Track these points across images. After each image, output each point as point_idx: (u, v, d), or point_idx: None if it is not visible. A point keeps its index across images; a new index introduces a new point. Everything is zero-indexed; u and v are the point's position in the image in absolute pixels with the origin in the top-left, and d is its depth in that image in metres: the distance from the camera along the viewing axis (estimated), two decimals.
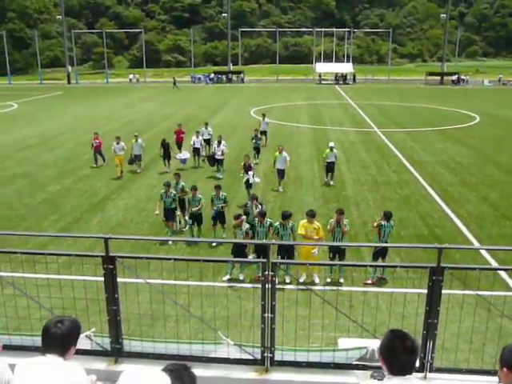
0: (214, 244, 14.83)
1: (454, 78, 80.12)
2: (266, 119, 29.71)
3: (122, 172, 22.95)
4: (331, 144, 21.87)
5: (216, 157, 22.89)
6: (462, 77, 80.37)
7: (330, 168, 21.31)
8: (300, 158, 26.28)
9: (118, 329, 5.47)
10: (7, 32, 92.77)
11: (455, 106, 48.05)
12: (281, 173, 20.76)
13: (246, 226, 12.90)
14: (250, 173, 18.64)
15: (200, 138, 24.91)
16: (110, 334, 5.49)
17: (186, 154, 24.40)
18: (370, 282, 12.15)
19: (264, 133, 29.01)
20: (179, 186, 16.54)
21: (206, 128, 26.66)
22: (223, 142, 23.37)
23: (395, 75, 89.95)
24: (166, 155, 24.04)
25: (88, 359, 5.30)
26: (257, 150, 25.62)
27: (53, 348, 3.65)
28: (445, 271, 5.12)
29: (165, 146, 23.97)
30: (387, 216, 12.58)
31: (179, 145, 26.53)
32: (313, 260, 11.78)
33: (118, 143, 23.51)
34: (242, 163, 19.64)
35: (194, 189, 15.34)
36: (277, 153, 20.78)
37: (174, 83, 72.91)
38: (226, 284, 12.18)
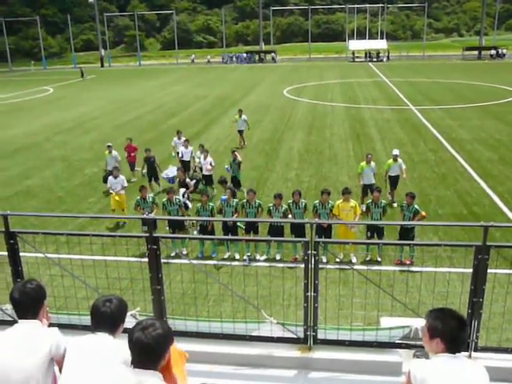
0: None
1: (493, 52, 77.69)
2: (244, 116, 25.03)
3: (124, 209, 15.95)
4: (395, 152, 16.88)
5: (204, 173, 17.73)
6: (501, 51, 77.84)
7: (392, 182, 16.57)
8: (334, 136, 26.04)
9: (162, 308, 5.55)
10: (40, 17, 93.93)
11: (494, 82, 46.71)
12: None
13: (283, 206, 12.85)
14: (182, 190, 15.16)
15: (190, 148, 19.41)
16: (154, 313, 5.59)
17: (173, 170, 17.85)
18: (408, 261, 12.03)
19: (240, 132, 24.98)
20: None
21: (187, 147, 19.50)
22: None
23: (431, 51, 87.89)
24: (152, 173, 18.43)
25: None
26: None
27: (103, 326, 3.74)
28: (491, 249, 5.03)
29: (149, 161, 18.33)
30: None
31: (131, 165, 20.03)
32: (351, 239, 11.73)
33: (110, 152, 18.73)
34: (177, 179, 16.78)
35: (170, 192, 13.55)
36: (363, 163, 16.32)
37: (82, 74, 66.17)
38: (264, 264, 12.26)
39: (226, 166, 17.68)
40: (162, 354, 3.34)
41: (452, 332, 3.45)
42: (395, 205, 15.94)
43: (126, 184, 15.90)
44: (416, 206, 12.54)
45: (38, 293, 3.97)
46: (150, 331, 3.27)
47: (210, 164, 17.46)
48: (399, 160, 16.58)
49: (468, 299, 5.29)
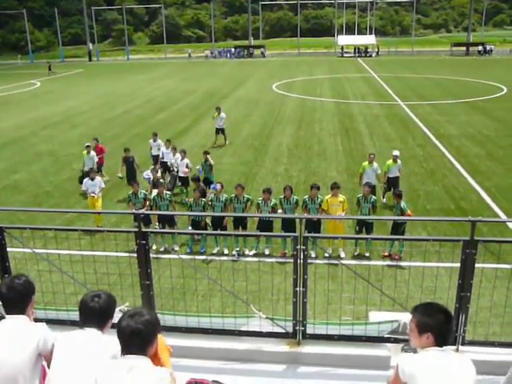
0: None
1: (480, 48, 78.10)
2: (222, 114, 23.75)
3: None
4: (395, 153, 16.17)
5: (180, 174, 16.87)
6: (489, 47, 78.27)
7: (392, 184, 15.71)
8: (323, 131, 26.07)
9: (151, 303, 5.54)
10: (27, 10, 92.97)
11: (481, 77, 46.99)
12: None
13: (272, 201, 12.86)
14: (155, 191, 14.03)
15: (171, 148, 17.91)
16: (143, 308, 5.57)
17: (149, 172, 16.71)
18: (397, 256, 12.08)
19: (222, 131, 23.89)
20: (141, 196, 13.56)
21: (168, 148, 18.10)
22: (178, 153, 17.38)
23: (419, 47, 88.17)
24: (131, 174, 17.25)
25: None
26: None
27: (91, 321, 3.73)
28: (478, 244, 5.07)
29: (128, 161, 17.50)
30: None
31: (99, 167, 18.21)
32: (340, 234, 11.77)
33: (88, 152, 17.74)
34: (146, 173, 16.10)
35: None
36: (365, 163, 15.66)
37: (49, 68, 63.10)
38: (254, 259, 12.26)
39: (198, 167, 16.95)
40: (151, 340, 3.37)
41: (441, 326, 3.48)
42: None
43: (103, 185, 15.12)
44: (402, 204, 12.61)
45: (26, 288, 3.95)
46: (138, 318, 3.33)
47: (187, 166, 16.62)
48: (399, 161, 16.05)
49: (456, 294, 5.34)
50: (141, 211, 5.31)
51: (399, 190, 12.85)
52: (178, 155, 17.14)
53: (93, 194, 14.66)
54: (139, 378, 3.19)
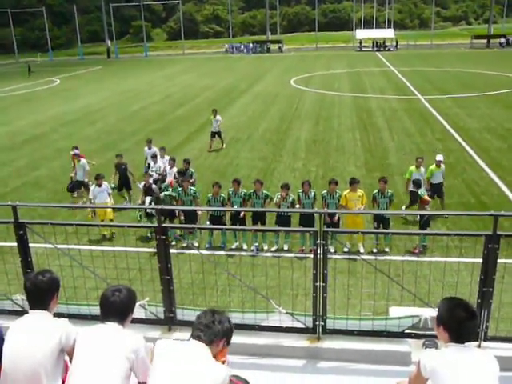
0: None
1: (502, 40, 76.79)
2: (218, 117, 22.65)
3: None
4: (439, 157, 14.77)
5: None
6: (511, 38, 76.84)
7: (436, 191, 14.55)
8: (341, 126, 25.94)
9: (171, 298, 5.57)
10: (46, 8, 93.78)
11: (503, 70, 46.28)
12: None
13: (291, 197, 12.82)
14: (148, 199, 13.39)
15: (166, 157, 16.65)
16: (163, 303, 5.60)
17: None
18: (416, 251, 12.00)
19: (218, 134, 22.66)
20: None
21: (163, 157, 16.91)
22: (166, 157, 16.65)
23: (439, 40, 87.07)
24: (124, 182, 16.26)
25: (142, 328, 5.42)
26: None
27: (112, 316, 3.76)
28: (501, 239, 5.00)
29: (121, 168, 16.24)
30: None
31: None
32: (359, 229, 11.70)
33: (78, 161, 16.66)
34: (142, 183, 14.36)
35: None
36: (412, 167, 14.63)
37: (29, 70, 61.47)
38: (273, 254, 12.27)
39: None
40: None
41: (455, 321, 3.46)
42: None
43: (110, 190, 14.29)
44: (420, 191, 12.55)
45: (50, 285, 4.00)
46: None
47: (175, 177, 15.18)
48: (442, 166, 14.72)
49: (477, 289, 5.27)
50: (160, 206, 5.32)
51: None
52: (165, 161, 16.25)
53: (102, 201, 13.82)
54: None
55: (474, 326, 3.49)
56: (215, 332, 3.49)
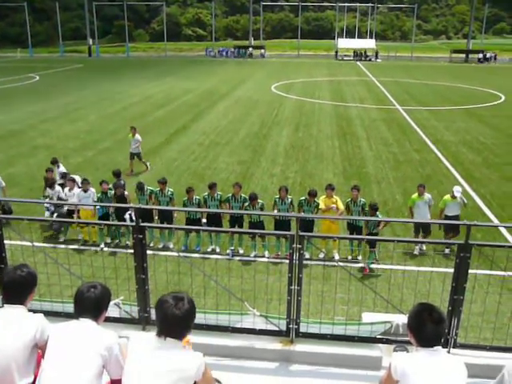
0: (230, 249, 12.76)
1: (480, 55, 78.28)
2: (137, 136, 19.58)
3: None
4: (457, 193, 12.88)
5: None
6: (489, 54, 78.29)
7: (451, 226, 12.36)
8: (321, 134, 26.12)
9: (146, 297, 5.56)
10: (28, 3, 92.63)
11: (480, 85, 47.14)
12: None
13: (289, 198, 12.89)
14: (128, 214, 12.38)
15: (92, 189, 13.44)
16: (138, 302, 5.60)
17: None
18: (367, 271, 11.93)
19: (138, 156, 19.68)
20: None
21: (58, 167, 15.85)
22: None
23: (419, 52, 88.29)
24: (120, 214, 12.77)
25: (116, 326, 5.41)
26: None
27: (87, 312, 3.76)
28: (473, 248, 5.12)
29: (118, 196, 13.25)
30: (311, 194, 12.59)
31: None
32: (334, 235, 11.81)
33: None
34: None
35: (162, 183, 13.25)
36: (414, 195, 13.22)
37: None
38: (248, 258, 12.30)
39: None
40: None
41: (420, 324, 3.54)
42: (447, 250, 11.96)
43: (95, 198, 13.16)
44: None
45: (28, 280, 3.99)
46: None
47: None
48: (459, 197, 12.93)
49: (449, 297, 5.38)
50: (138, 205, 5.32)
51: (375, 205, 12.21)
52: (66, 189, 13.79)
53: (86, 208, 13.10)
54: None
55: (438, 330, 3.52)
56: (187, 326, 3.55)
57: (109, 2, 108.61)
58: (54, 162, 15.98)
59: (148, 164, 19.89)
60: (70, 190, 13.52)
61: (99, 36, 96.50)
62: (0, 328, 3.75)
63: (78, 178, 14.36)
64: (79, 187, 13.64)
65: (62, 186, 14.02)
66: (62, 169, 16.00)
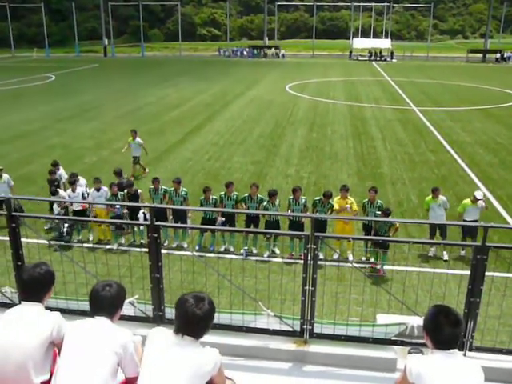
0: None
1: (498, 55, 77.40)
2: (138, 139, 19.35)
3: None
4: (479, 194, 12.79)
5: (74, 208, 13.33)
6: (507, 54, 77.34)
7: (469, 230, 11.96)
8: (335, 134, 26.03)
9: (160, 296, 5.58)
10: (45, 4, 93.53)
11: (497, 85, 46.67)
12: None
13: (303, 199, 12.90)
14: (141, 214, 12.18)
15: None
16: (152, 300, 5.61)
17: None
18: (381, 272, 11.87)
19: (136, 159, 19.27)
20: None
21: (58, 169, 15.86)
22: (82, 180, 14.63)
23: (435, 52, 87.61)
24: (134, 214, 12.68)
25: (131, 325, 5.43)
26: None
27: (102, 310, 3.78)
28: (490, 251, 5.06)
29: (131, 195, 13.35)
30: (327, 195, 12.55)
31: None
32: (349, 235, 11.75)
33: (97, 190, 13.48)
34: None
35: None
36: (428, 198, 13.09)
37: None
38: (262, 258, 12.29)
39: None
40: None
41: (436, 327, 3.51)
42: (463, 252, 11.72)
43: (109, 195, 13.17)
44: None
45: (46, 278, 4.02)
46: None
47: (83, 195, 13.54)
48: (480, 202, 12.61)
49: (465, 299, 5.33)
50: (153, 204, 5.34)
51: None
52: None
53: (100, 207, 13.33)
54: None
55: (455, 332, 3.48)
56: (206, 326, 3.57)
57: (124, 3, 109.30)
58: (55, 164, 16.01)
59: (147, 170, 19.52)
60: (73, 191, 13.47)
61: (114, 36, 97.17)
62: (17, 325, 3.78)
63: (81, 180, 14.56)
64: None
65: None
66: (62, 172, 16.01)
